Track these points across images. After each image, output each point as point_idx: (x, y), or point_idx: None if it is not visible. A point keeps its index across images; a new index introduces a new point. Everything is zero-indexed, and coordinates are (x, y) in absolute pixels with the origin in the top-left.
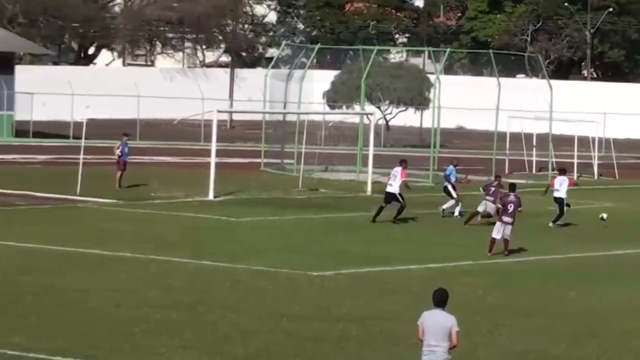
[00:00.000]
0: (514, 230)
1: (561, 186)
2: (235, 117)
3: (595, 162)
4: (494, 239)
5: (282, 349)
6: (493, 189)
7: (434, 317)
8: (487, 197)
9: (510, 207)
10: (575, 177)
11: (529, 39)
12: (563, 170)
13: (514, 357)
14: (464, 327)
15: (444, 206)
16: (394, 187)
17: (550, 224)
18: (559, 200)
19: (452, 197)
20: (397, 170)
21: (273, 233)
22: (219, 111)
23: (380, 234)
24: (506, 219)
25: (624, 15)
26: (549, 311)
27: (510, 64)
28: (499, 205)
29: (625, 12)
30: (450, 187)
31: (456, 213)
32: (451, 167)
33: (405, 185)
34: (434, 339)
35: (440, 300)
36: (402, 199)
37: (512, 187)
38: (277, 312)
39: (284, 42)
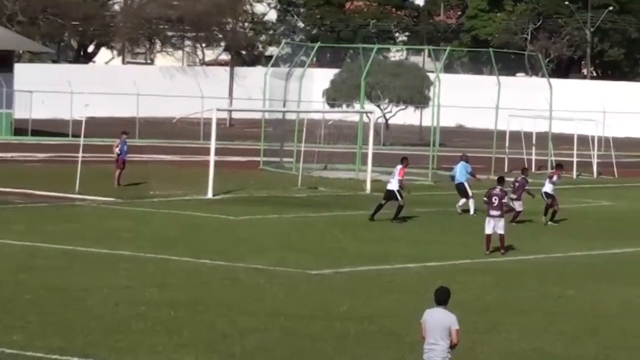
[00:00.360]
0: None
1: (546, 180)
2: (235, 115)
3: (595, 161)
4: (488, 236)
5: (280, 347)
6: (517, 184)
7: (434, 316)
8: (512, 195)
9: (495, 200)
10: (574, 176)
11: (529, 37)
12: (557, 165)
13: (512, 355)
14: (461, 326)
15: (470, 207)
16: (392, 184)
17: (548, 222)
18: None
19: (467, 195)
20: (398, 167)
21: (272, 231)
22: (218, 109)
23: (379, 232)
24: (493, 212)
25: (624, 14)
26: (547, 310)
27: (510, 62)
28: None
29: (626, 10)
30: (467, 184)
31: (472, 211)
32: (466, 163)
33: (400, 184)
34: (432, 337)
35: (441, 298)
36: (402, 196)
37: (500, 180)
38: (275, 311)
39: (283, 41)
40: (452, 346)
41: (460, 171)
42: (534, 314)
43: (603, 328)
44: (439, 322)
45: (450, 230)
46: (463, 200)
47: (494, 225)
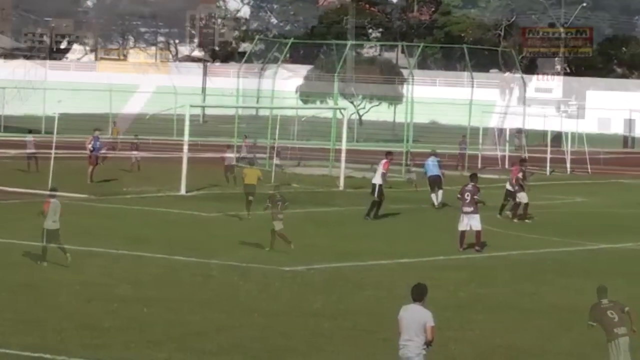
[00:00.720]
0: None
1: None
2: (208, 111)
3: (568, 157)
4: (462, 233)
5: (253, 344)
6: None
7: (409, 312)
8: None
9: (467, 196)
10: (547, 172)
11: (502, 33)
12: (521, 160)
13: (486, 352)
14: (435, 322)
15: (439, 199)
16: (376, 178)
17: (515, 220)
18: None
19: (441, 188)
20: (382, 161)
21: (245, 228)
22: (191, 106)
23: (352, 229)
24: (465, 208)
25: (598, 10)
26: (520, 306)
27: (484, 58)
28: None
29: (599, 7)
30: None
31: (437, 203)
32: (436, 157)
33: (383, 178)
34: (407, 333)
35: (418, 295)
36: (381, 193)
37: (473, 176)
38: (249, 308)
39: (257, 37)
40: (428, 343)
41: (433, 164)
42: (507, 310)
43: (577, 324)
44: (414, 318)
45: (424, 227)
46: (440, 192)
47: (467, 222)
